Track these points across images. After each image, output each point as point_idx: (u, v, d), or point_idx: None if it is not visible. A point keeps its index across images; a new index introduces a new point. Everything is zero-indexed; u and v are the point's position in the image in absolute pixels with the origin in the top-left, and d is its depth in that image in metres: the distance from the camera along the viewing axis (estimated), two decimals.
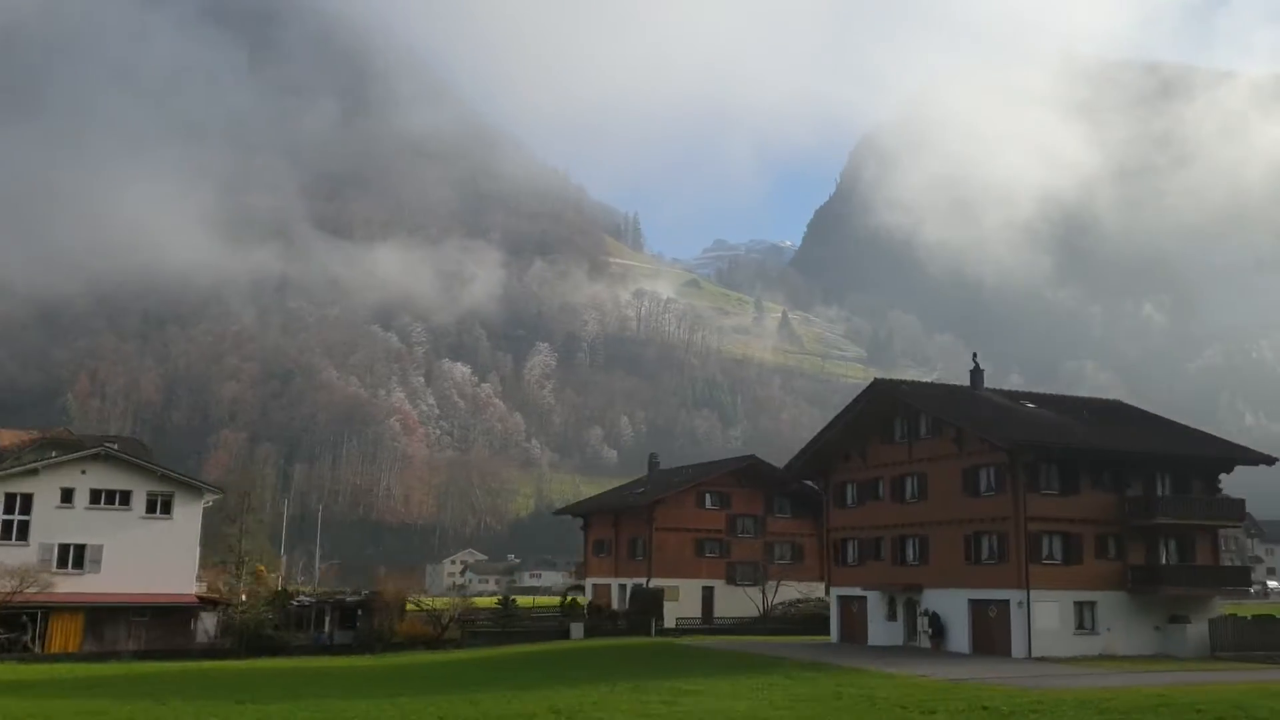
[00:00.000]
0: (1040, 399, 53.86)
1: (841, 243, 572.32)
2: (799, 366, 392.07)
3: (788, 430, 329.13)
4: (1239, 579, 48.44)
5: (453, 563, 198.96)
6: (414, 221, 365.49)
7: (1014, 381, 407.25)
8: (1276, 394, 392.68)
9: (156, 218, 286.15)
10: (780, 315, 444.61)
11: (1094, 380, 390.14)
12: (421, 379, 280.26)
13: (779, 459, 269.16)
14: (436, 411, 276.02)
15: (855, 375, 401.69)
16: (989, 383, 52.97)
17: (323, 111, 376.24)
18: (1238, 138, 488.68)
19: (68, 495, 49.60)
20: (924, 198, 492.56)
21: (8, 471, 49.26)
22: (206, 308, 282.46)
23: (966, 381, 52.66)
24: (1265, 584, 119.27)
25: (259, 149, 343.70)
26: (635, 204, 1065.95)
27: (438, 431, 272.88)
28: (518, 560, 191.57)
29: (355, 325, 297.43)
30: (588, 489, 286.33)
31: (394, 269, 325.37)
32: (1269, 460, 47.80)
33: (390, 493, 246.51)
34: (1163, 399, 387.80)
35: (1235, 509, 46.82)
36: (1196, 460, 47.47)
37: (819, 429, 57.11)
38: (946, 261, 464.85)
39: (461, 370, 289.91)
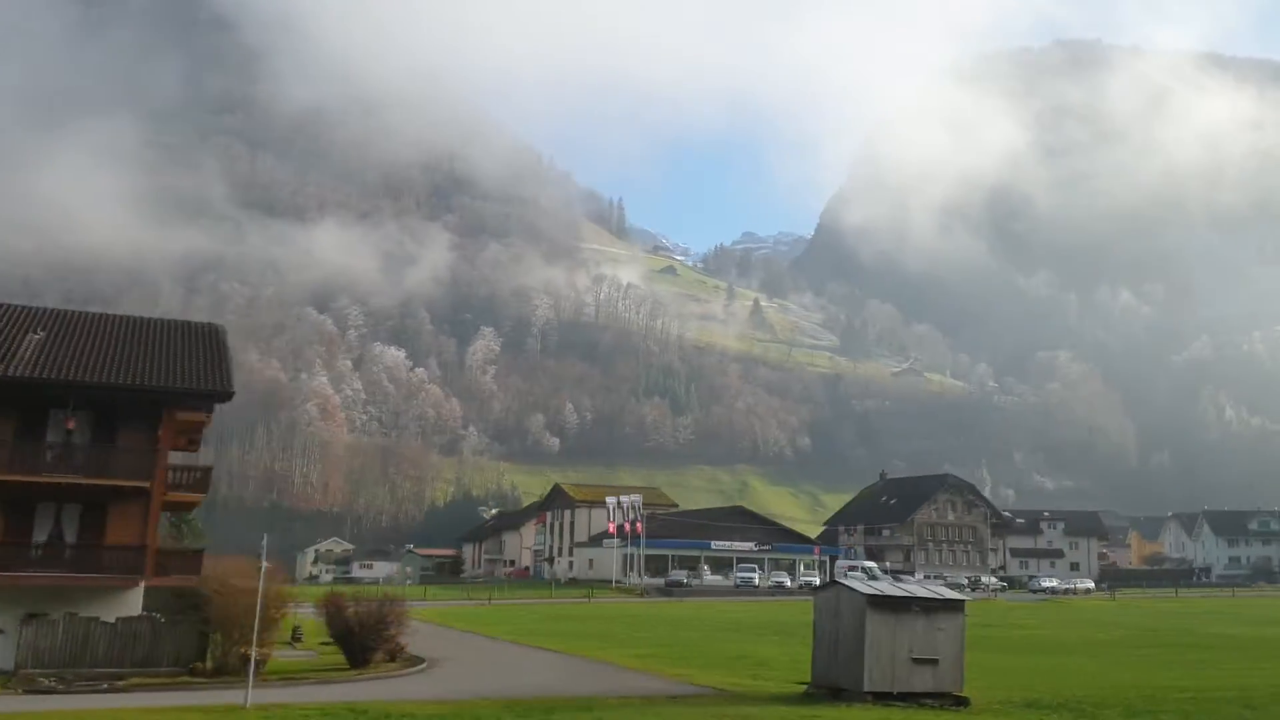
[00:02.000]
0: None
1: (840, 233, 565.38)
2: (764, 355, 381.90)
3: (740, 419, 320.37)
4: (124, 563, 32.42)
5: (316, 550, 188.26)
6: (369, 202, 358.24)
7: (980, 373, 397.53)
8: (1261, 387, 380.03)
9: (76, 195, 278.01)
10: (752, 303, 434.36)
11: (1066, 371, 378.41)
12: (349, 363, 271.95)
13: (726, 447, 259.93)
14: (363, 396, 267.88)
15: (821, 364, 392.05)
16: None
17: (221, 83, 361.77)
18: (1167, 115, 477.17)
19: None
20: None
21: None
22: (133, 288, 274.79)
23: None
24: (986, 579, 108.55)
25: (168, 121, 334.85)
26: (665, 196, 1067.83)
27: (364, 417, 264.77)
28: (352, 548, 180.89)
29: (288, 307, 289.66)
30: (520, 477, 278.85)
31: (338, 250, 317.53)
32: (224, 396, 33.98)
33: (306, 479, 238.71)
34: (1143, 391, 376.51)
35: (141, 465, 32.69)
36: (123, 397, 33.38)
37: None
38: (914, 251, 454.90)
39: (394, 354, 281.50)
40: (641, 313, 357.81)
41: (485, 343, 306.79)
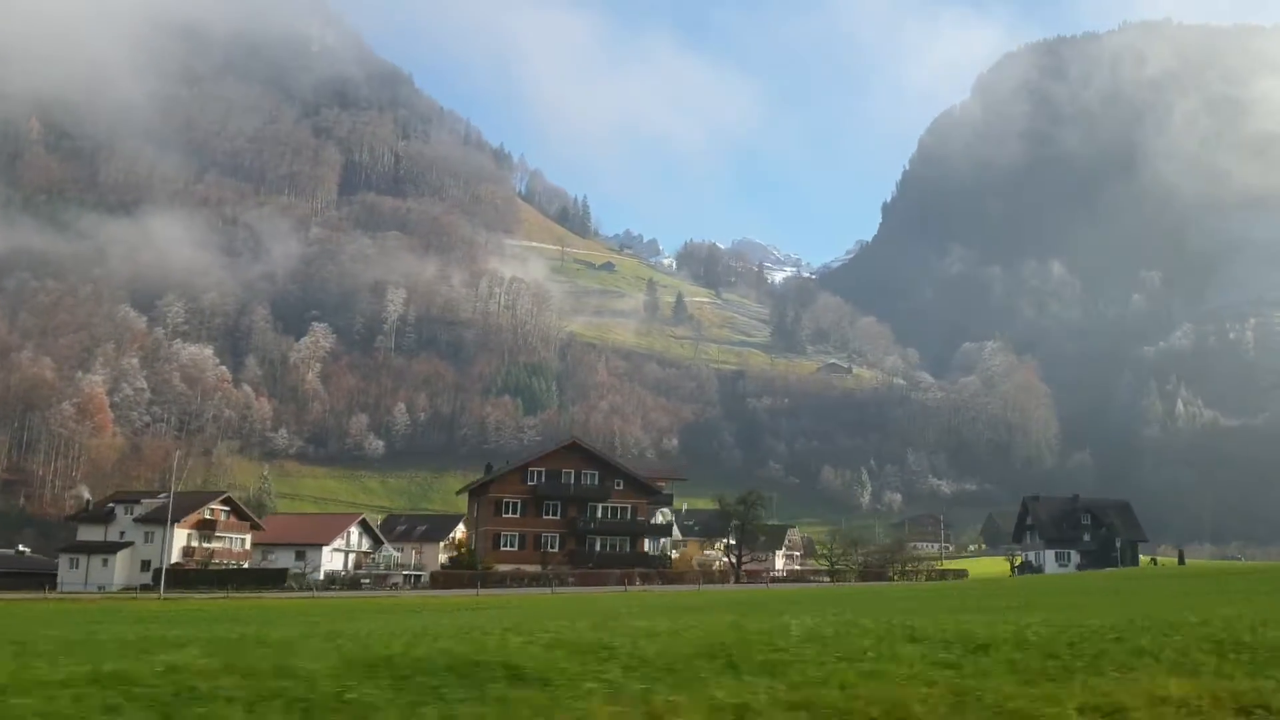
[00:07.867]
0: None
1: None
2: (665, 351, 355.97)
3: (601, 419, 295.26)
4: None
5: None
6: (222, 191, 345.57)
7: (903, 366, 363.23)
8: (1230, 379, 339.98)
9: None
10: (675, 298, 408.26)
11: (990, 363, 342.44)
12: (135, 361, 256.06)
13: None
14: (148, 395, 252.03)
15: (729, 361, 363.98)
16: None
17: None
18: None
19: None
20: None
21: None
22: None
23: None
24: None
25: None
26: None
27: (147, 417, 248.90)
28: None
29: (104, 305, 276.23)
30: (331, 483, 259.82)
31: (178, 244, 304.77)
32: None
33: (48, 482, 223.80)
34: (1082, 383, 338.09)
35: None
36: None
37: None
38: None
39: (194, 352, 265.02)
40: (519, 308, 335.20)
41: (314, 340, 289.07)
